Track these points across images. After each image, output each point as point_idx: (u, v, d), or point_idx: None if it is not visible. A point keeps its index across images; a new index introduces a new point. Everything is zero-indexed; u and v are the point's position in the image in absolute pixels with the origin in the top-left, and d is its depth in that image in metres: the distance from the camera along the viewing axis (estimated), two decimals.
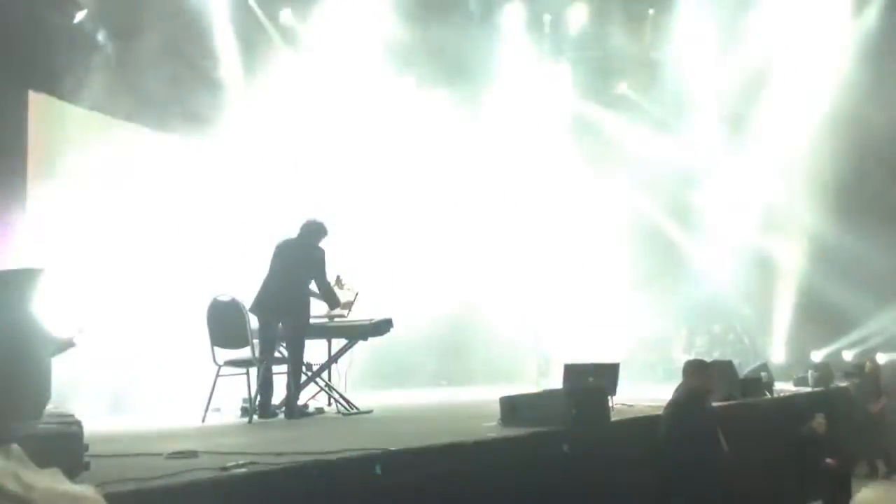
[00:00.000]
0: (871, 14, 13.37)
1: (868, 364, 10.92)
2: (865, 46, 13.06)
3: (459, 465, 4.11)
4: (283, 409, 6.75)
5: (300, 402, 6.96)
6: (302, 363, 6.88)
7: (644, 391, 10.43)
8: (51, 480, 2.00)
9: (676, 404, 6.35)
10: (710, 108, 15.41)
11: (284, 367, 6.75)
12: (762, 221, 14.40)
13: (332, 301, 6.97)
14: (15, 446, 2.07)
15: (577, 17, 15.18)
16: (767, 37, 13.46)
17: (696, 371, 6.60)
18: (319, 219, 7.11)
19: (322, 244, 7.01)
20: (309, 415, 6.86)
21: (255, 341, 6.66)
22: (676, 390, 6.57)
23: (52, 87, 9.65)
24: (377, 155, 13.55)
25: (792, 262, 13.72)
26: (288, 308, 6.75)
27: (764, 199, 14.96)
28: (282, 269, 6.87)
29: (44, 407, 3.72)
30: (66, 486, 2.00)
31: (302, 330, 6.84)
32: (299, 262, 6.85)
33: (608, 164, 17.11)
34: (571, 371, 7.35)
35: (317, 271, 6.84)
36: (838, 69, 13.09)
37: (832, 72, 13.21)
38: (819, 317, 13.04)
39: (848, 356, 12.70)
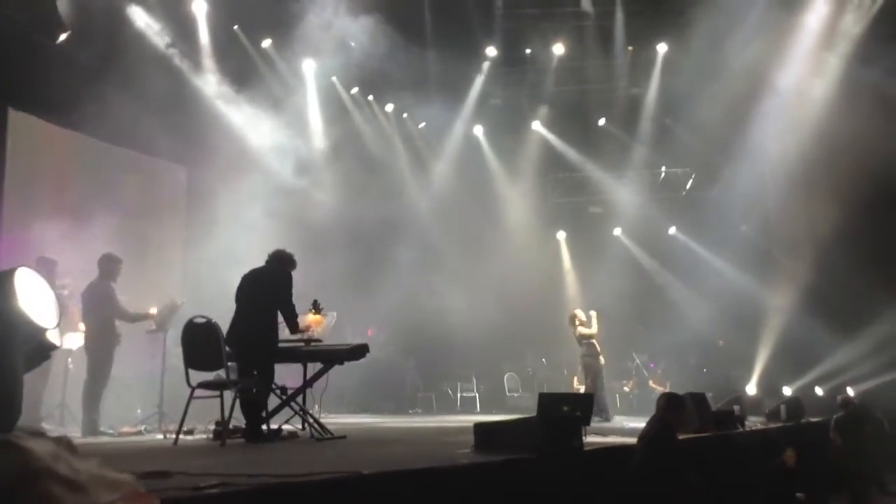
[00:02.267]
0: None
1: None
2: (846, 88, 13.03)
3: (432, 490, 4.11)
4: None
5: (274, 425, 6.93)
6: (271, 389, 6.85)
7: (617, 422, 10.49)
8: (94, 466, 2.19)
9: (650, 436, 6.38)
10: (690, 144, 15.61)
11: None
12: (743, 259, 14.51)
13: (293, 325, 6.94)
14: (64, 435, 2.25)
15: (557, 53, 15.31)
16: (750, 71, 13.34)
17: (670, 404, 6.65)
18: (288, 251, 7.12)
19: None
20: (282, 439, 6.81)
21: (231, 364, 6.64)
22: (649, 422, 6.60)
23: (33, 105, 9.66)
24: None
25: (775, 301, 13.76)
26: (254, 337, 6.75)
27: (746, 236, 15.14)
28: (247, 300, 6.88)
29: (15, 422, 3.68)
30: (108, 471, 2.18)
31: (270, 356, 6.83)
32: (264, 290, 6.86)
33: (587, 197, 17.34)
34: (546, 400, 7.39)
35: (282, 294, 6.84)
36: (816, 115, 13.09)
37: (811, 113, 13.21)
38: (790, 351, 13.14)
39: (819, 391, 12.81)
